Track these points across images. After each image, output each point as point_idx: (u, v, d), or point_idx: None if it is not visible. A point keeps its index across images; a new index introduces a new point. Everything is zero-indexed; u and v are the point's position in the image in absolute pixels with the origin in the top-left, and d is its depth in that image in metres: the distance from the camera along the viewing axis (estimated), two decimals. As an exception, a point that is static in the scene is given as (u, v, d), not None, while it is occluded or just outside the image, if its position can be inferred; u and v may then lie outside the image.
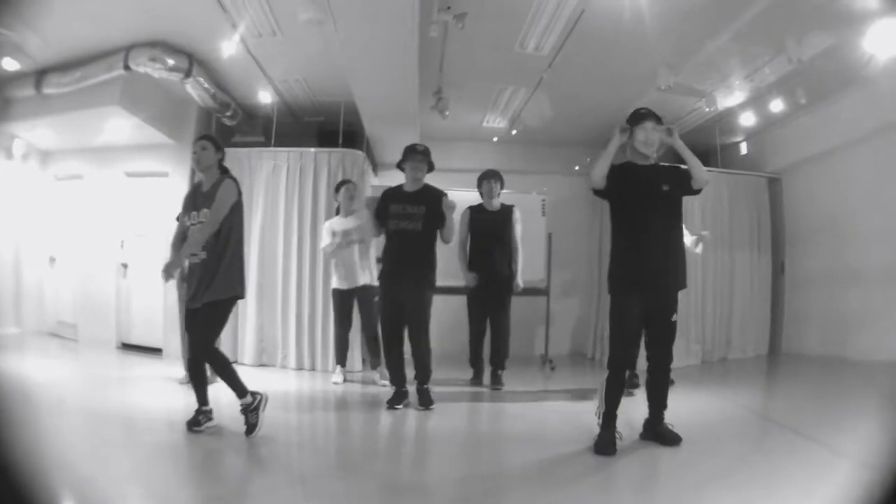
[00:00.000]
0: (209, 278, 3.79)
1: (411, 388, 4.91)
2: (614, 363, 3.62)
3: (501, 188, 6.08)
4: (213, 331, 3.90)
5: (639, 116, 3.70)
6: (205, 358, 3.90)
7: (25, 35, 5.78)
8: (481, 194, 6.10)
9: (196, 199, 3.96)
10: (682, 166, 3.72)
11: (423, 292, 4.81)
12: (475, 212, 6.06)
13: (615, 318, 3.63)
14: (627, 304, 3.58)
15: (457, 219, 5.31)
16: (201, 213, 3.86)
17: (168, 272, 3.84)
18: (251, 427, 3.80)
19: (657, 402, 3.68)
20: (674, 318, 3.65)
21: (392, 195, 4.93)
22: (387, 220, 4.85)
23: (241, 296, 4.00)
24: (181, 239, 3.99)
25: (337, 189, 6.17)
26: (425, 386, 4.86)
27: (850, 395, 5.05)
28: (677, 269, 3.69)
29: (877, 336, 6.16)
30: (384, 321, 4.94)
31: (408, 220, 4.76)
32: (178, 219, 4.17)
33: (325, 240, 5.98)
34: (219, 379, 5.41)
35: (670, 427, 3.64)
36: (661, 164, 3.81)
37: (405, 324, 4.86)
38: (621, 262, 3.66)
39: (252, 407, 3.84)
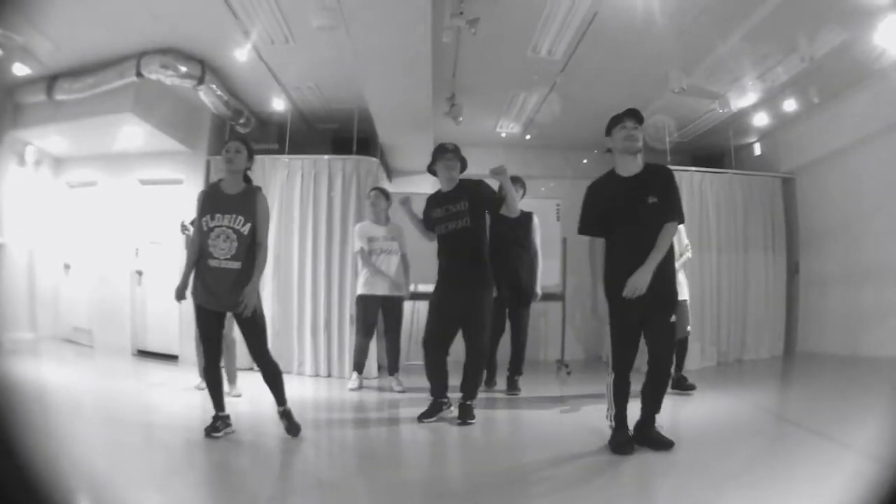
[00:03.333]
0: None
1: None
2: (618, 366, 3.61)
3: (524, 194, 5.89)
4: (265, 336, 4.01)
5: (618, 118, 3.67)
6: (267, 362, 3.96)
7: (36, 40, 5.76)
8: None
9: (219, 202, 3.84)
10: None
11: (482, 293, 4.58)
12: (495, 219, 5.92)
13: (615, 322, 3.61)
14: (625, 309, 3.54)
15: None
16: (230, 217, 3.78)
17: (181, 294, 3.98)
18: (297, 427, 3.91)
19: (650, 407, 3.64)
20: (672, 318, 3.61)
21: (432, 201, 4.75)
22: (434, 227, 4.69)
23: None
24: (200, 242, 3.86)
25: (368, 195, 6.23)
26: (470, 402, 4.54)
27: (865, 393, 5.02)
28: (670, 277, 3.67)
29: (892, 333, 6.13)
30: (435, 327, 4.58)
31: (454, 220, 4.55)
32: (189, 224, 4.11)
33: (357, 244, 6.00)
34: (235, 389, 5.44)
35: (660, 430, 3.60)
36: (648, 167, 3.71)
37: (457, 330, 4.60)
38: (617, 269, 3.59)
39: (289, 410, 3.96)
